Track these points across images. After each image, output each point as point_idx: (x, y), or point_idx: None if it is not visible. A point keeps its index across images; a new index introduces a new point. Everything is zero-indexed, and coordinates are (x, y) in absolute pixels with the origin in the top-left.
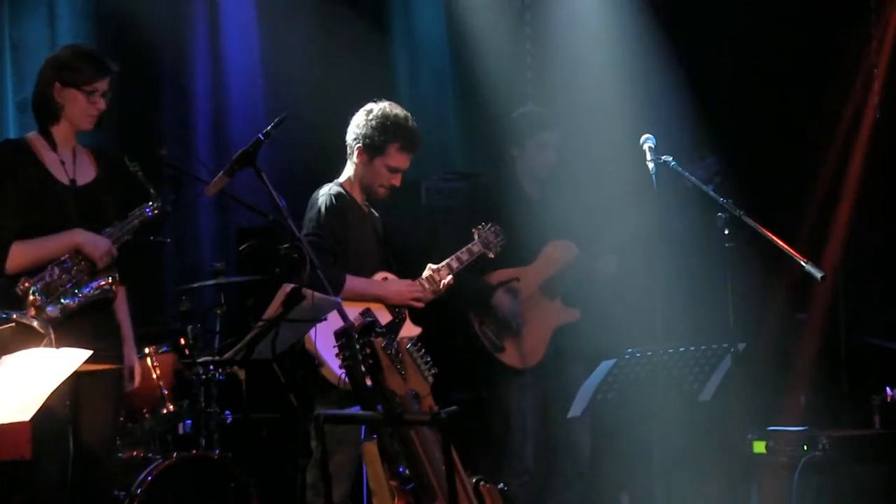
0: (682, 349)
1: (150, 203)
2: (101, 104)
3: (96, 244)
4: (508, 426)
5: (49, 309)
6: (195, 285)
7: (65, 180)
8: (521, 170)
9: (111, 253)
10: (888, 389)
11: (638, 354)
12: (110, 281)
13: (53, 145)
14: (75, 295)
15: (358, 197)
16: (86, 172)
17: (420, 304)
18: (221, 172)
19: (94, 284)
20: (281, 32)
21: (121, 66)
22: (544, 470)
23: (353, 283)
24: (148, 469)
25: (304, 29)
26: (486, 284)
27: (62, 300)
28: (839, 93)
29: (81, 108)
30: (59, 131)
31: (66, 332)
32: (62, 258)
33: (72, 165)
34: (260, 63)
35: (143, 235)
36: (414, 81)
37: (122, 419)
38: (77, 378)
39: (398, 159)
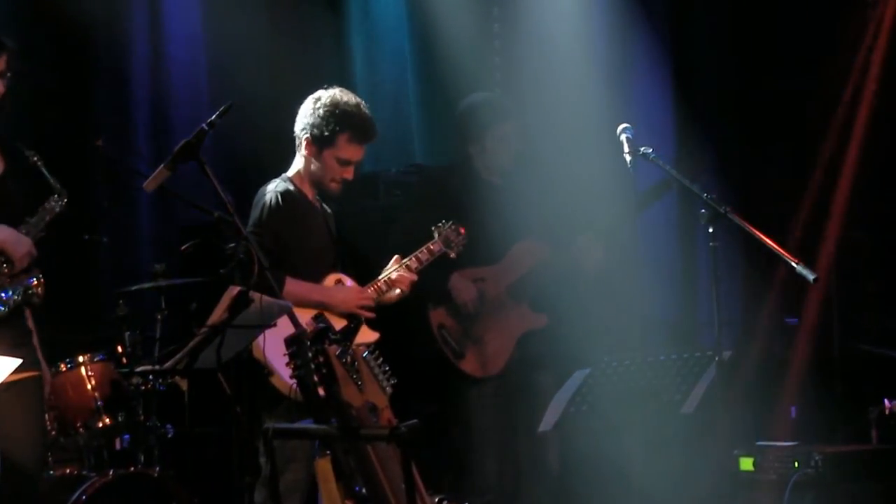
0: (662, 357)
1: (56, 196)
2: None
3: (19, 243)
4: (469, 440)
5: None
6: (133, 288)
7: None
8: (481, 165)
9: (32, 253)
10: (886, 401)
11: (615, 363)
12: (35, 283)
13: None
14: (1, 301)
15: (308, 192)
16: None
17: (370, 314)
18: (162, 166)
19: (20, 287)
20: (226, 12)
21: (19, 43)
22: (511, 488)
23: (293, 287)
24: (82, 487)
25: (252, 9)
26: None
27: None
28: (833, 89)
29: None
30: None
31: None
32: None
33: None
34: (203, 46)
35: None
36: (371, 66)
37: (53, 433)
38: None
39: (349, 151)
